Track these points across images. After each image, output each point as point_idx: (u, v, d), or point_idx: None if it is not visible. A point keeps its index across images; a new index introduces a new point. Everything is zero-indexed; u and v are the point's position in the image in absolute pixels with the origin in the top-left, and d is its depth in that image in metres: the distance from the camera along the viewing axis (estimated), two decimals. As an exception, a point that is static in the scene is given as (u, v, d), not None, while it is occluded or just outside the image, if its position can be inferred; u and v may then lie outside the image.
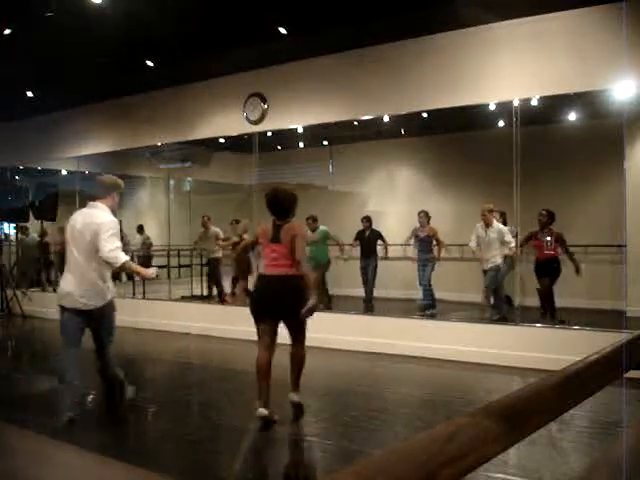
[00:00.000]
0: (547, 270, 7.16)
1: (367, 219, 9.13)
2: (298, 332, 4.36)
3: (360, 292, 9.08)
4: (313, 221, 8.87)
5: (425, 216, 8.44)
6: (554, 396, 1.37)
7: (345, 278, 9.42)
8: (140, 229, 11.78)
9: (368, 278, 9.00)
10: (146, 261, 11.19)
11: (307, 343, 7.14)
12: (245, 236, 9.31)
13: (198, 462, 3.69)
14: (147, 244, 11.49)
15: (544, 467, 3.52)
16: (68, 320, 4.18)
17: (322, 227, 8.89)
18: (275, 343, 4.32)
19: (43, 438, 0.92)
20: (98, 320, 4.17)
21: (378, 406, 4.83)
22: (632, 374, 1.79)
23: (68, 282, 4.12)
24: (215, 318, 8.04)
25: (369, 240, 9.05)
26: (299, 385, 4.46)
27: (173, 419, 4.63)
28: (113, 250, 3.99)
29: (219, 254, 9.83)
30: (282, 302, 4.23)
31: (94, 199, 4.27)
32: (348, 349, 6.77)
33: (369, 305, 8.80)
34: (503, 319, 6.98)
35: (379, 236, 9.11)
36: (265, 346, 4.27)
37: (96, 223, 4.04)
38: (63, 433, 3.87)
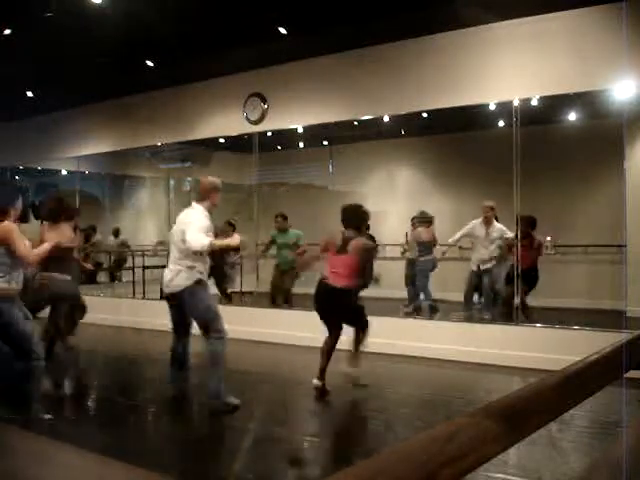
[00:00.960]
0: (524, 280, 6.77)
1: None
2: (355, 324, 5.18)
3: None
4: (283, 219, 8.54)
5: (424, 220, 8.23)
6: (554, 396, 1.37)
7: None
8: (116, 233, 11.76)
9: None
10: (122, 263, 11.34)
11: (310, 344, 7.17)
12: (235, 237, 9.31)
13: (198, 462, 3.69)
14: (124, 246, 11.48)
15: (544, 467, 3.52)
16: (170, 310, 4.69)
17: (297, 231, 8.62)
18: (338, 331, 5.08)
19: (43, 438, 0.92)
20: (184, 302, 4.49)
21: (378, 406, 4.83)
22: (632, 374, 1.79)
23: (166, 274, 4.62)
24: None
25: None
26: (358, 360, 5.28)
27: (173, 419, 4.63)
28: (195, 239, 4.31)
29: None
30: (334, 310, 5.03)
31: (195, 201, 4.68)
32: (348, 349, 6.76)
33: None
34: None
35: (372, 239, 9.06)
36: (329, 334, 5.07)
37: (185, 222, 4.47)
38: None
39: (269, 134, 8.35)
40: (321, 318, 5.04)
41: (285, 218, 8.58)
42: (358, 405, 4.85)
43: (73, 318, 6.54)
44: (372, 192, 10.83)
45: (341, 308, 5.00)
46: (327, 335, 5.07)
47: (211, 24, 6.68)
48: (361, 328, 5.17)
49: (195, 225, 4.40)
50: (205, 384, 4.52)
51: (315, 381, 4.95)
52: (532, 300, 7.64)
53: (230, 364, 6.36)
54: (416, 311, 7.97)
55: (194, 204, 4.64)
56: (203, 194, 4.61)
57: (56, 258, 5.02)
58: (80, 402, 5.25)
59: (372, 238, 9.11)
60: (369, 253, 5.14)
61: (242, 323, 7.45)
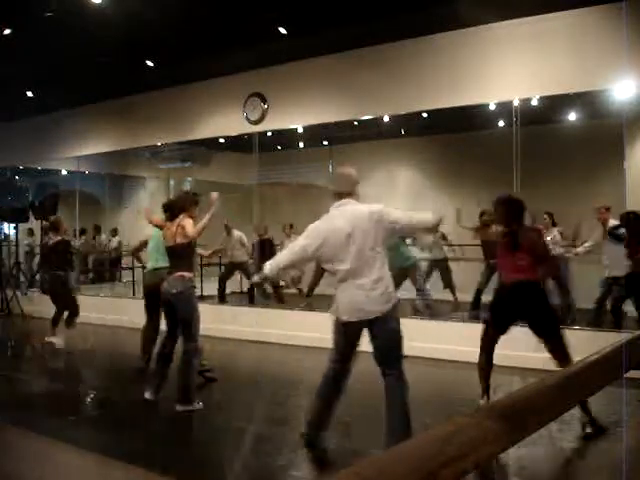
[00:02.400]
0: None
1: None
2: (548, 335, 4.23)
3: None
4: (290, 228, 8.97)
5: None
6: (554, 396, 1.37)
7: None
8: (114, 232, 11.77)
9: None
10: (117, 262, 11.29)
11: (307, 344, 7.15)
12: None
13: (198, 462, 3.69)
14: (119, 246, 11.50)
15: (544, 467, 3.52)
16: (342, 335, 3.69)
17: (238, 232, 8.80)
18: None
19: (43, 438, 0.92)
20: (381, 328, 3.58)
21: (378, 406, 4.83)
22: (632, 374, 1.79)
23: (358, 293, 3.50)
24: (211, 318, 8.02)
25: None
26: None
27: (173, 419, 4.63)
28: (415, 214, 3.69)
29: (245, 258, 9.48)
30: (527, 308, 4.27)
31: (341, 196, 3.67)
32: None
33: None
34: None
35: None
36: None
37: (371, 212, 3.56)
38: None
39: (269, 134, 8.35)
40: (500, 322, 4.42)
41: (291, 227, 8.93)
42: (358, 405, 4.84)
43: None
44: (372, 192, 10.83)
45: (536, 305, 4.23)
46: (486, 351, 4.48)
47: (211, 24, 6.68)
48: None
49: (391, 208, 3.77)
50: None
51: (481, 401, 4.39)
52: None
53: (231, 365, 6.32)
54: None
55: (349, 199, 3.67)
56: (351, 186, 3.73)
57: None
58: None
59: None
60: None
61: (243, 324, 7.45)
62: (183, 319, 4.65)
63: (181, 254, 4.68)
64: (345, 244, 3.47)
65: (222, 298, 9.45)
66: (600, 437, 3.88)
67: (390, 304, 3.51)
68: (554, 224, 7.47)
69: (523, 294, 4.19)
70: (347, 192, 3.67)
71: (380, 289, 3.48)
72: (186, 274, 4.65)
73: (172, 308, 4.69)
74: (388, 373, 3.66)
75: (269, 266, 3.62)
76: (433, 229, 3.72)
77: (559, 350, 4.06)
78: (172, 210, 4.88)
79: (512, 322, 4.39)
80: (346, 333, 3.59)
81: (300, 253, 3.60)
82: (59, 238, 7.18)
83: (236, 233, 9.49)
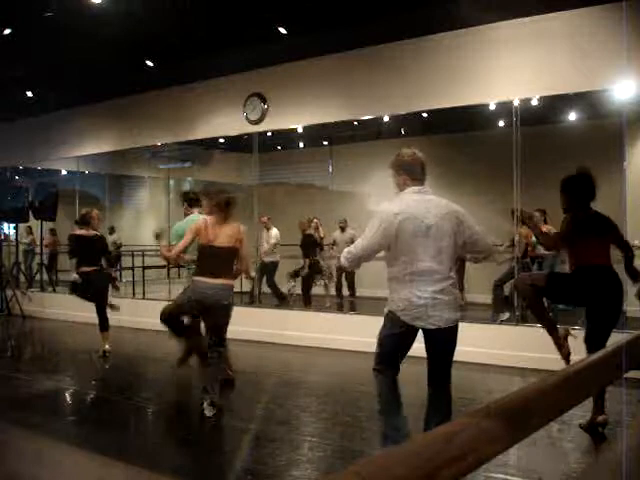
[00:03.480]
0: None
1: None
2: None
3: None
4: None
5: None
6: (554, 396, 1.37)
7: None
8: (111, 230, 11.72)
9: None
10: (116, 260, 11.22)
11: (306, 343, 7.15)
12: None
13: (197, 462, 3.69)
14: (117, 244, 11.41)
15: (544, 467, 3.52)
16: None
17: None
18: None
19: (43, 438, 0.92)
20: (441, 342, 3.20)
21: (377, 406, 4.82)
22: (632, 374, 1.79)
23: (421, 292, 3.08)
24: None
25: None
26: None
27: (173, 420, 4.63)
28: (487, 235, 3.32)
29: (276, 257, 9.32)
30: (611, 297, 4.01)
31: (415, 181, 3.25)
32: (348, 349, 6.77)
33: None
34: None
35: None
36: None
37: (455, 210, 3.20)
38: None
39: (269, 134, 8.35)
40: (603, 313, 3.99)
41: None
42: (358, 405, 4.84)
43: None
44: (372, 192, 10.83)
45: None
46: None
47: (211, 24, 6.69)
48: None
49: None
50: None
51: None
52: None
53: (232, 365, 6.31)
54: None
55: (427, 187, 3.30)
56: (422, 171, 3.32)
57: None
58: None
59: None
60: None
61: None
62: (224, 325, 4.52)
63: (229, 259, 4.45)
64: (424, 236, 3.06)
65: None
66: (600, 437, 3.88)
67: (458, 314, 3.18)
68: (545, 222, 7.46)
69: (612, 282, 4.01)
70: (423, 179, 3.29)
71: (449, 296, 3.10)
72: (232, 282, 4.52)
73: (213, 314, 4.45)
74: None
75: (346, 256, 3.22)
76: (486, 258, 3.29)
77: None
78: (222, 207, 4.42)
79: (580, 304, 4.33)
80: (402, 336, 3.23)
81: (379, 241, 3.12)
82: (94, 232, 6.61)
83: (274, 231, 9.30)
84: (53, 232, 11.59)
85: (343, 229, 9.63)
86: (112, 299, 6.91)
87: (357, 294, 9.71)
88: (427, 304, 3.05)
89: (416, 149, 3.36)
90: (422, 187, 3.24)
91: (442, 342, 3.17)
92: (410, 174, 3.25)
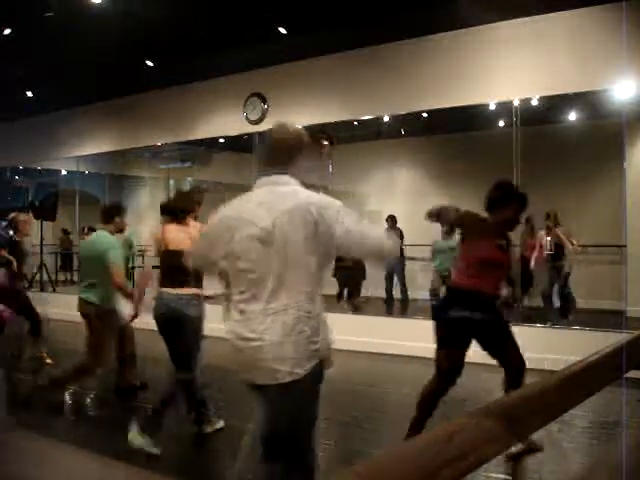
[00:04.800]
0: None
1: (392, 218, 8.88)
2: None
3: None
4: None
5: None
6: (554, 396, 1.37)
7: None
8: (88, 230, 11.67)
9: (393, 279, 8.84)
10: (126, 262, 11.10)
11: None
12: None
13: (199, 463, 3.69)
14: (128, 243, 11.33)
15: (544, 467, 3.52)
16: None
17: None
18: None
19: (43, 438, 0.92)
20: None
21: (378, 406, 4.83)
22: (632, 374, 1.79)
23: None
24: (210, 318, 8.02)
25: None
26: None
27: (173, 420, 4.62)
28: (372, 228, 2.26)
29: None
30: None
31: (270, 165, 2.29)
32: (348, 349, 6.77)
33: (404, 305, 8.63)
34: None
35: (402, 236, 8.72)
36: None
37: (308, 204, 2.11)
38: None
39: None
40: None
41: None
42: (358, 405, 4.84)
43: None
44: (372, 192, 10.83)
45: None
46: None
47: (211, 24, 6.68)
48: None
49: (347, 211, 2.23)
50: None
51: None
52: (531, 301, 7.63)
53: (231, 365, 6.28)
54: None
55: (285, 177, 2.24)
56: (287, 156, 2.33)
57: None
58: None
59: (402, 234, 8.65)
60: None
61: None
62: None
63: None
64: (257, 244, 2.10)
65: None
66: (600, 437, 3.88)
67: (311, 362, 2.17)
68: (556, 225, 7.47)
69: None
70: (277, 163, 2.27)
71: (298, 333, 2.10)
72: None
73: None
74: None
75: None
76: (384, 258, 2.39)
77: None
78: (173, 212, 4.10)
79: None
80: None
81: (204, 249, 2.41)
82: (22, 237, 6.21)
83: None
84: (66, 232, 11.57)
85: None
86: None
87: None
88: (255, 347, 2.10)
89: (290, 123, 2.52)
90: (269, 177, 2.24)
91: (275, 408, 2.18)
92: (264, 158, 2.37)
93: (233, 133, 8.59)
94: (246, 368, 2.19)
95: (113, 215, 4.79)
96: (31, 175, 12.04)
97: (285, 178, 2.22)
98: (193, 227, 3.92)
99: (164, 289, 3.82)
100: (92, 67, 7.77)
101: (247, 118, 8.17)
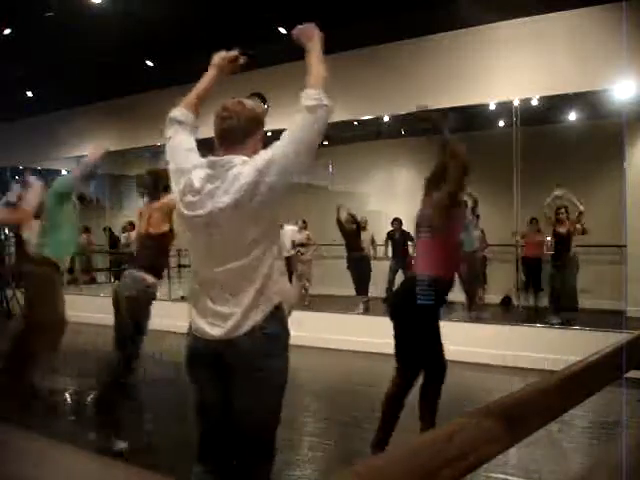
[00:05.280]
0: None
1: (397, 221, 8.88)
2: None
3: (348, 291, 8.97)
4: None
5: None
6: (554, 396, 1.37)
7: (331, 278, 9.37)
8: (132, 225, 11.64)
9: (395, 278, 8.82)
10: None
11: (307, 343, 7.14)
12: None
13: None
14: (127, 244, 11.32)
15: (544, 467, 3.52)
16: None
17: None
18: None
19: (43, 438, 0.92)
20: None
21: (378, 406, 4.83)
22: (632, 374, 1.79)
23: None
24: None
25: (399, 241, 8.82)
26: None
27: (173, 420, 4.63)
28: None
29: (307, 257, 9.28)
30: None
31: (217, 150, 2.24)
32: (348, 349, 6.77)
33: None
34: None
35: (409, 237, 8.67)
36: None
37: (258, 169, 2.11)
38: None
39: (269, 134, 8.33)
40: None
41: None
42: (358, 405, 4.84)
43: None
44: (372, 192, 10.83)
45: None
46: None
47: (211, 24, 6.68)
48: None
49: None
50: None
51: None
52: (532, 300, 7.62)
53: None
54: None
55: (232, 156, 2.19)
56: (241, 132, 2.34)
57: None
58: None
59: (409, 235, 8.48)
60: None
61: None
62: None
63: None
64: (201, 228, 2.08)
65: None
66: (600, 437, 3.88)
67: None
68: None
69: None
70: (227, 140, 2.27)
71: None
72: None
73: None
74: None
75: None
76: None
77: None
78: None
79: None
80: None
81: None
82: None
83: (286, 228, 8.92)
84: (87, 230, 11.51)
85: (299, 229, 9.50)
86: None
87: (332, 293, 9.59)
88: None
89: (245, 99, 2.51)
90: (218, 159, 2.17)
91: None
92: (217, 138, 2.29)
93: (233, 133, 8.59)
94: None
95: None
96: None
97: (231, 160, 2.16)
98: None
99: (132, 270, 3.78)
100: (92, 67, 7.77)
101: (247, 118, 8.17)
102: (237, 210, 2.02)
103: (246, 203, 2.02)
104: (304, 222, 9.54)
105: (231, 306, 2.01)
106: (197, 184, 2.11)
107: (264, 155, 2.16)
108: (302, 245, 9.31)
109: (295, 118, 2.21)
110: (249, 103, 2.43)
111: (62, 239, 4.33)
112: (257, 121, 2.42)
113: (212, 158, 2.18)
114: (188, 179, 2.15)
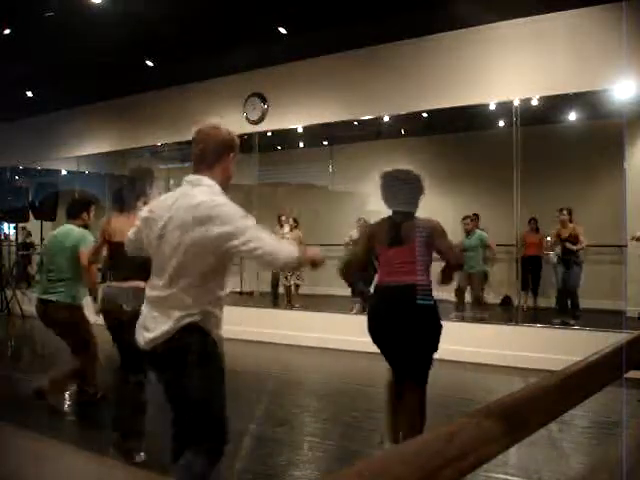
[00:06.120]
0: None
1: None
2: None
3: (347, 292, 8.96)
4: (471, 220, 7.87)
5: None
6: (554, 396, 1.37)
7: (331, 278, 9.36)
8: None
9: None
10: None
11: (307, 343, 7.15)
12: None
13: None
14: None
15: (544, 467, 3.52)
16: None
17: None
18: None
19: (43, 438, 0.92)
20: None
21: (378, 406, 4.82)
22: (632, 374, 1.79)
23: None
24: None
25: None
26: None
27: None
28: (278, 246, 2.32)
29: None
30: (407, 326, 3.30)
31: (197, 165, 2.40)
32: (348, 349, 6.77)
33: None
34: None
35: None
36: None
37: (196, 205, 2.24)
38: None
39: (269, 134, 8.34)
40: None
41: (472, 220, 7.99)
42: (358, 405, 4.84)
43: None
44: (372, 192, 10.81)
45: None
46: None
47: (211, 24, 6.68)
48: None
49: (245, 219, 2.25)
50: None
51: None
52: (531, 300, 7.62)
53: (230, 365, 6.33)
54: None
55: (201, 177, 2.34)
56: (211, 155, 2.40)
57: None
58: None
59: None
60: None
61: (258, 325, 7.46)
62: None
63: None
64: (156, 238, 2.31)
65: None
66: (600, 437, 3.88)
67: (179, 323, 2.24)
68: (571, 220, 7.45)
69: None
70: (202, 163, 2.39)
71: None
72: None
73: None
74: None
75: None
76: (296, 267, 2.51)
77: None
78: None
79: None
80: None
81: (130, 242, 2.62)
82: None
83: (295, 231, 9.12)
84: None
85: (291, 228, 9.47)
86: None
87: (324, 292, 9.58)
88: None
89: (220, 124, 2.61)
90: (196, 176, 2.36)
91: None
92: (192, 158, 2.45)
93: (233, 133, 8.59)
94: None
95: (81, 210, 4.69)
96: (31, 175, 12.04)
97: (202, 179, 2.34)
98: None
99: (110, 282, 3.73)
100: (92, 67, 7.77)
101: (247, 118, 8.17)
102: (181, 228, 2.24)
103: (188, 227, 2.22)
104: (295, 221, 9.53)
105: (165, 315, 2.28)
106: (163, 197, 2.41)
107: (222, 210, 2.24)
108: None
109: (266, 237, 2.25)
110: (222, 128, 2.55)
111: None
112: (227, 145, 2.49)
113: (186, 177, 2.40)
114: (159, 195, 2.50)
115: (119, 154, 10.06)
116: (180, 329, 2.22)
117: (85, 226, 4.72)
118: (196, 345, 2.27)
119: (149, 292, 2.35)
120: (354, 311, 7.77)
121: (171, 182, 11.88)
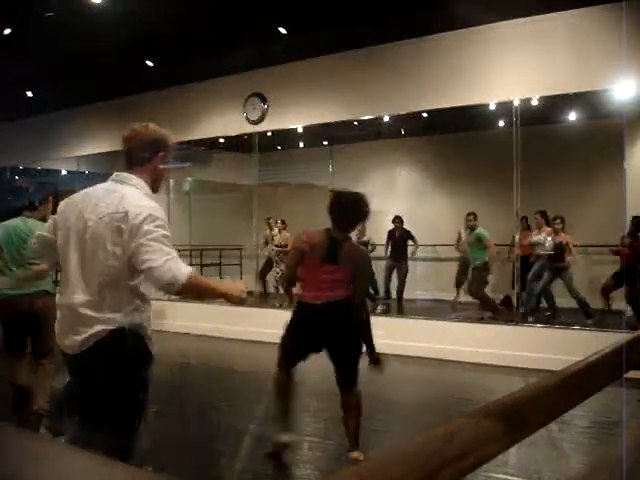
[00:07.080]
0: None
1: (398, 219, 8.80)
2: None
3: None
4: (474, 217, 7.77)
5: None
6: (554, 396, 1.37)
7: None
8: None
9: (392, 279, 8.83)
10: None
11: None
12: None
13: (199, 463, 3.69)
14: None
15: (544, 467, 3.52)
16: None
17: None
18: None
19: (43, 438, 0.92)
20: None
21: (378, 406, 4.83)
22: (632, 374, 1.79)
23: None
24: (215, 318, 8.02)
25: (400, 240, 8.75)
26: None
27: (173, 420, 4.63)
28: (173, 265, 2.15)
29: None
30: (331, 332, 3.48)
31: (127, 163, 2.44)
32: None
33: (399, 306, 8.60)
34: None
35: (410, 236, 8.73)
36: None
37: (117, 212, 2.18)
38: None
39: (269, 134, 8.35)
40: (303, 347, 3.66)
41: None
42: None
43: None
44: (372, 192, 10.81)
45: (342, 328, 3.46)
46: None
47: (211, 24, 6.68)
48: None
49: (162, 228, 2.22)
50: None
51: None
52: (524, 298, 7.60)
53: (230, 364, 6.33)
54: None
55: (129, 174, 2.37)
56: (142, 153, 2.44)
57: None
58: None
59: (410, 234, 8.62)
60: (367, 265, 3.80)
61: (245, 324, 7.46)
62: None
63: None
64: (65, 240, 2.23)
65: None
66: (600, 437, 3.88)
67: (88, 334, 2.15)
68: (547, 224, 7.40)
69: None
70: (131, 161, 2.42)
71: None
72: None
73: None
74: None
75: None
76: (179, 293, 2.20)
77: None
78: None
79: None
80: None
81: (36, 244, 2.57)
82: None
83: (284, 233, 9.31)
84: None
85: (279, 230, 9.56)
86: None
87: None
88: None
89: (152, 125, 2.63)
90: (122, 174, 2.39)
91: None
92: (124, 156, 2.46)
93: (233, 133, 8.60)
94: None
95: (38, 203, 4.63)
96: (31, 175, 12.04)
97: (130, 177, 2.33)
98: None
99: None
100: (92, 67, 7.77)
101: (247, 118, 8.18)
102: (100, 226, 2.17)
103: (100, 224, 2.17)
104: (283, 223, 9.55)
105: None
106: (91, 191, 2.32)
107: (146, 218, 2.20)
108: (280, 246, 9.32)
109: (168, 252, 2.15)
110: (153, 127, 2.56)
111: None
112: (157, 144, 2.48)
113: (114, 174, 2.37)
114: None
115: (119, 154, 10.07)
116: (96, 334, 2.14)
117: (43, 219, 4.54)
118: (117, 348, 2.19)
119: (61, 300, 2.27)
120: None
121: (171, 182, 11.90)
